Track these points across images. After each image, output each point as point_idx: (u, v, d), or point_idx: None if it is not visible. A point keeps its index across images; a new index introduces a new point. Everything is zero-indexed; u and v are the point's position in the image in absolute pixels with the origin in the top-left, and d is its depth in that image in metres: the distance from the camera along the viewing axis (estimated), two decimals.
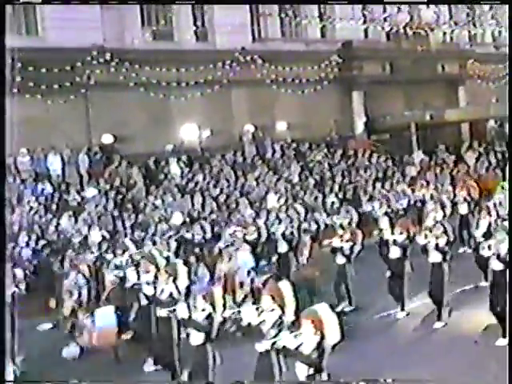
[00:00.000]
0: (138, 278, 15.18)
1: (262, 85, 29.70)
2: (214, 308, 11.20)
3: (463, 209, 22.27)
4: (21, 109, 20.68)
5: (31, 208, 22.73)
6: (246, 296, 16.39)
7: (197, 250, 20.35)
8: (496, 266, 13.95)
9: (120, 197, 24.46)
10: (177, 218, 22.68)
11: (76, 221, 22.32)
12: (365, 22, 33.50)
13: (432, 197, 24.74)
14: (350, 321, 15.01)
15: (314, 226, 22.79)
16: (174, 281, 13.57)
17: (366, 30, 33.96)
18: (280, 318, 10.53)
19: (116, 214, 23.21)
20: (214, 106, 28.42)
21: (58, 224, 21.99)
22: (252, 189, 26.38)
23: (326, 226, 23.14)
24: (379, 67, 33.43)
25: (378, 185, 27.84)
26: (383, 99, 32.61)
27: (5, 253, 12.90)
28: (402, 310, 16.13)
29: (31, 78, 23.98)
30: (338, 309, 15.84)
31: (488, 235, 16.90)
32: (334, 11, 32.60)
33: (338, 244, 17.21)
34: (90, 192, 24.39)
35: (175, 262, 14.84)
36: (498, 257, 13.97)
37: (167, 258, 16.37)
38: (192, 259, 17.92)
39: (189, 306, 11.73)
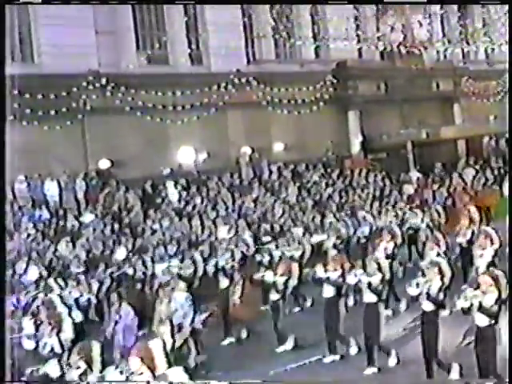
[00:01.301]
0: (37, 330, 12.87)
1: (258, 106, 29.77)
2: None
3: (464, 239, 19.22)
4: (18, 135, 20.74)
5: (29, 235, 22.68)
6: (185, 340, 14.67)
7: (139, 286, 19.04)
8: (426, 306, 12.77)
9: (117, 221, 24.42)
10: (120, 253, 21.36)
11: (74, 246, 22.27)
12: (359, 41, 33.64)
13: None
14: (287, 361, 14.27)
15: (266, 258, 20.28)
16: (58, 334, 12.10)
17: (359, 50, 34.10)
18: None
19: (114, 238, 23.16)
20: (211, 129, 28.47)
21: (56, 250, 21.93)
22: (251, 211, 26.37)
23: (281, 258, 20.24)
24: (374, 86, 33.54)
25: (376, 204, 27.88)
26: (379, 118, 32.71)
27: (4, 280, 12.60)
28: (332, 353, 14.39)
29: (27, 105, 24.08)
30: (279, 350, 15.08)
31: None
32: (327, 31, 32.74)
33: (271, 278, 15.66)
34: (88, 217, 24.36)
35: (60, 312, 12.75)
36: (428, 297, 12.70)
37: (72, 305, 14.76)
38: (114, 297, 15.42)
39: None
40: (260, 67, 30.67)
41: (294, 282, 16.09)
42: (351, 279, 14.40)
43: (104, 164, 26.30)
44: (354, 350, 14.42)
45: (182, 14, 28.68)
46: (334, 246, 20.11)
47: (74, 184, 25.52)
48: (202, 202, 26.45)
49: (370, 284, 13.76)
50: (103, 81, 25.97)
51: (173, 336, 13.57)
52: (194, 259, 19.21)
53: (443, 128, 33.37)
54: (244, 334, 16.32)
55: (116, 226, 24.02)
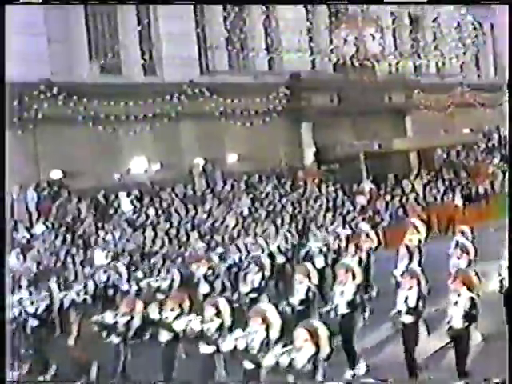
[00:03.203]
0: None
1: (211, 117, 29.69)
2: None
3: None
4: None
5: None
6: None
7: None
8: (406, 318, 12.88)
9: (70, 233, 24.11)
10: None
11: (25, 259, 21.92)
12: (312, 53, 33.83)
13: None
14: None
15: (134, 288, 18.76)
16: None
17: (313, 62, 34.29)
18: None
19: (65, 249, 22.85)
20: (163, 140, 28.32)
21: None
22: (203, 222, 26.27)
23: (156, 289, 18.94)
24: (327, 98, 33.70)
25: (329, 214, 27.98)
26: (332, 130, 32.86)
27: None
28: None
29: None
30: None
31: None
32: (280, 43, 32.88)
33: (111, 319, 13.69)
34: (39, 229, 24.03)
35: None
36: (409, 310, 12.85)
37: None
38: None
39: None
40: (213, 78, 30.62)
41: (136, 322, 13.72)
42: (179, 325, 12.61)
43: (56, 174, 25.98)
44: None
45: (136, 24, 28.54)
46: (205, 278, 18.07)
47: (26, 195, 25.14)
48: (155, 214, 26.28)
49: (202, 332, 11.95)
50: (55, 90, 25.63)
51: None
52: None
53: (395, 140, 33.64)
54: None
55: (68, 237, 23.73)
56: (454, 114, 38.94)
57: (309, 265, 15.71)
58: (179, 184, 28.48)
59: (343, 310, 13.70)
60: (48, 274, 20.73)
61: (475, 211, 30.54)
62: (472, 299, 12.42)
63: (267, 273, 17.01)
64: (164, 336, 13.03)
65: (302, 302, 14.59)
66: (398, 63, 37.54)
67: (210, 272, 18.06)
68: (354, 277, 14.06)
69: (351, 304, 13.74)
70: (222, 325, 11.96)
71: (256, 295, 16.32)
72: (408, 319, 12.87)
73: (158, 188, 27.95)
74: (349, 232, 26.64)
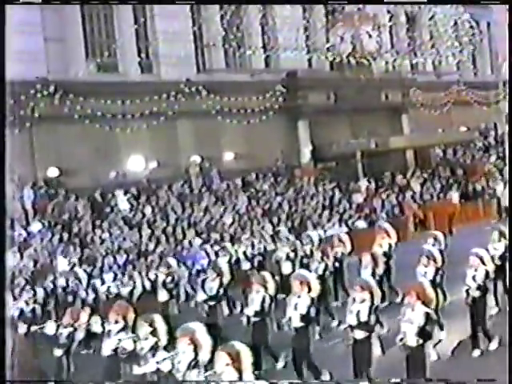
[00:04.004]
0: None
1: (208, 116, 29.69)
2: None
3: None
4: None
5: None
6: None
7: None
8: (358, 334, 12.12)
9: (66, 231, 24.12)
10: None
11: (22, 257, 21.96)
12: (308, 51, 33.82)
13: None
14: None
15: (91, 296, 18.46)
16: None
17: (309, 60, 34.28)
18: None
19: (62, 248, 22.90)
20: (160, 138, 28.33)
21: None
22: (199, 220, 26.30)
23: (108, 297, 18.49)
24: (324, 96, 33.70)
25: (326, 213, 28.06)
26: (328, 128, 32.86)
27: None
28: None
29: None
30: None
31: None
32: (277, 41, 32.88)
33: (53, 331, 13.13)
34: (35, 227, 24.03)
35: None
36: (359, 324, 12.10)
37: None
38: None
39: None
40: (210, 76, 30.61)
41: (80, 334, 13.30)
42: (109, 344, 11.89)
43: (52, 173, 26.00)
44: None
45: (132, 22, 28.55)
46: (164, 285, 17.43)
47: (22, 193, 25.15)
48: (153, 212, 26.31)
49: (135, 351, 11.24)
50: (52, 88, 25.65)
51: None
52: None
53: (392, 138, 33.66)
54: None
55: (65, 235, 23.76)
56: (451, 112, 38.94)
57: (266, 273, 14.81)
58: (176, 182, 28.51)
59: (297, 323, 12.87)
60: (45, 272, 20.86)
61: (471, 209, 30.63)
62: (427, 315, 11.62)
63: (225, 280, 16.14)
64: (106, 349, 12.24)
65: (257, 313, 13.79)
66: (394, 61, 37.55)
67: (169, 279, 17.40)
68: (309, 289, 13.17)
69: (305, 317, 12.86)
70: (157, 344, 11.11)
71: (214, 303, 15.61)
72: (359, 335, 12.06)
73: (155, 186, 27.97)
74: (345, 230, 26.83)
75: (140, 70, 29.06)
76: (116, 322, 12.23)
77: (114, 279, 19.49)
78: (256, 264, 20.68)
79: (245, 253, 21.06)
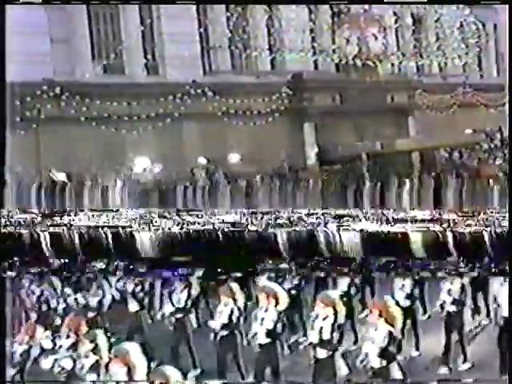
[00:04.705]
0: None
1: (214, 117, 29.66)
2: None
3: None
4: None
5: None
6: None
7: None
8: (320, 353, 11.55)
9: None
10: None
11: None
12: (314, 53, 33.78)
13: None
14: None
15: (62, 306, 17.39)
16: None
17: (315, 62, 34.23)
18: None
19: None
20: (166, 140, 28.30)
21: None
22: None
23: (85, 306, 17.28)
24: (329, 98, 33.65)
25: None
26: (334, 130, 32.82)
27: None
28: None
29: None
30: None
31: None
32: (283, 43, 32.85)
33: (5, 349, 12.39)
34: None
35: None
36: (321, 342, 11.53)
37: None
38: None
39: None
40: (216, 78, 30.59)
41: (35, 352, 12.31)
42: (46, 363, 11.09)
43: (58, 175, 25.94)
44: None
45: (138, 24, 28.54)
46: (133, 295, 16.37)
47: (29, 194, 25.09)
48: None
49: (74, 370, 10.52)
50: (58, 90, 25.61)
51: None
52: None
53: (398, 140, 33.62)
54: None
55: None
56: (457, 115, 38.88)
57: (234, 284, 13.84)
58: (181, 184, 28.44)
59: (262, 339, 12.21)
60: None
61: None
62: (390, 334, 10.95)
63: (194, 292, 15.29)
64: (46, 364, 11.64)
65: (225, 327, 13.08)
66: (400, 63, 37.52)
67: (139, 288, 16.41)
68: (277, 302, 12.40)
69: (271, 333, 12.17)
70: (98, 362, 10.44)
71: (181, 315, 14.81)
72: (322, 353, 11.48)
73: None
74: None
75: (146, 71, 29.04)
76: (68, 336, 11.53)
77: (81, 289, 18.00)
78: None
79: None
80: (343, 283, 15.34)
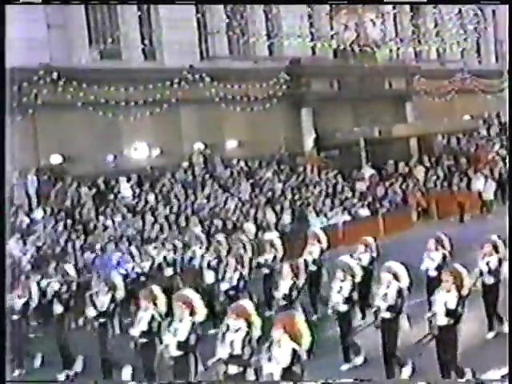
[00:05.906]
0: None
1: (211, 103, 29.63)
2: None
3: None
4: None
5: None
6: None
7: None
8: (231, 369, 10.43)
9: (70, 218, 24.15)
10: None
11: (25, 243, 21.99)
12: (312, 39, 33.73)
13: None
14: None
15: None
16: None
17: (313, 48, 34.18)
18: None
19: (65, 235, 22.91)
20: (163, 125, 28.31)
21: None
22: (202, 207, 26.33)
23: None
24: (327, 84, 33.64)
25: (328, 201, 28.07)
26: (332, 116, 32.82)
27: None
28: None
29: None
30: None
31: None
32: (281, 29, 32.81)
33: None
34: (39, 214, 24.08)
35: None
36: (231, 357, 10.43)
37: None
38: None
39: None
40: (213, 63, 30.57)
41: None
42: None
43: (56, 159, 26.00)
44: None
45: (136, 9, 28.48)
46: (58, 296, 15.35)
47: (25, 180, 25.16)
48: (156, 199, 26.33)
49: None
50: (55, 75, 25.59)
51: None
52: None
53: (396, 126, 33.62)
54: None
55: (68, 222, 23.79)
56: (455, 100, 38.89)
57: (155, 287, 12.82)
58: (179, 169, 28.51)
59: (174, 352, 11.17)
60: (48, 259, 20.86)
61: (474, 198, 30.58)
62: (294, 351, 9.60)
63: (119, 295, 14.09)
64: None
65: (144, 334, 12.19)
66: (398, 49, 37.48)
67: (65, 289, 15.23)
68: (192, 312, 11.32)
69: (183, 346, 11.11)
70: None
71: (104, 320, 13.80)
72: (232, 370, 10.39)
73: (158, 173, 27.98)
74: (348, 218, 26.87)
75: (143, 57, 29.00)
76: None
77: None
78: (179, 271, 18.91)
79: (165, 258, 19.06)
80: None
